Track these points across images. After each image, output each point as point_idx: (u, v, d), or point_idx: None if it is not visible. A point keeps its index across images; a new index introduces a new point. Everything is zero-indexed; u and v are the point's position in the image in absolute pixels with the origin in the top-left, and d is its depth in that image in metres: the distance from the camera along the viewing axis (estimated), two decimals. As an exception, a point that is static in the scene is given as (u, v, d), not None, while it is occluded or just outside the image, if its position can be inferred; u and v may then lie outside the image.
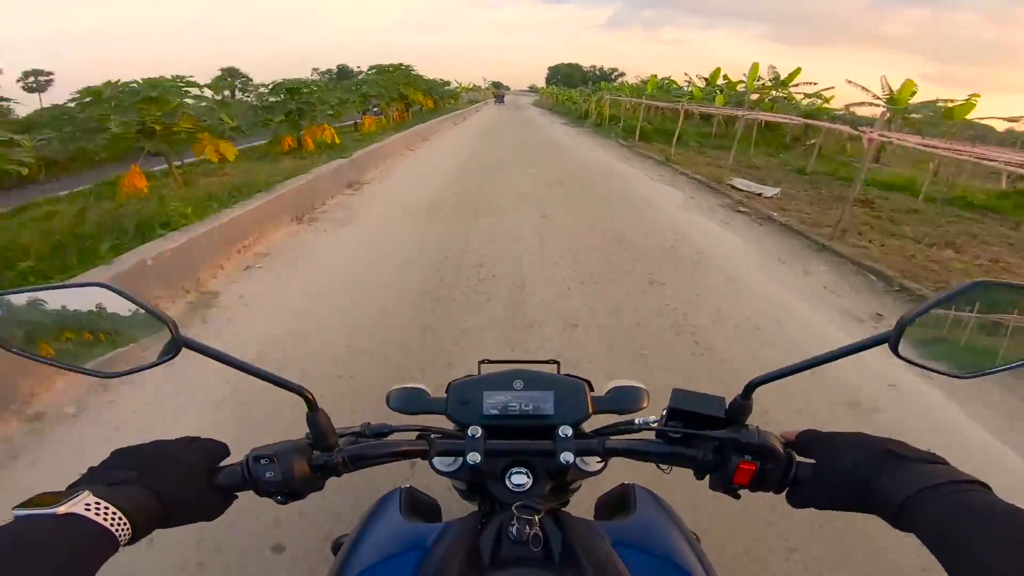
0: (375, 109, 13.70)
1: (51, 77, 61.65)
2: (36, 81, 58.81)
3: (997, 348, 0.47)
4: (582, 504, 0.83)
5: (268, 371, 0.53)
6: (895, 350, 0.46)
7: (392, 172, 8.36)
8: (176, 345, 0.49)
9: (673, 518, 0.70)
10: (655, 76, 25.65)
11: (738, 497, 0.57)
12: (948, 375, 0.48)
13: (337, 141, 8.73)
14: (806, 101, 18.03)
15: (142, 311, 0.49)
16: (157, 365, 0.51)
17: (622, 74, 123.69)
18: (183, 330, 0.49)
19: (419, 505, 0.78)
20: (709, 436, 0.55)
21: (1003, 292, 0.46)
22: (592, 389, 0.72)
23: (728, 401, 0.57)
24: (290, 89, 8.46)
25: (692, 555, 0.62)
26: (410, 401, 0.74)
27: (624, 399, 0.73)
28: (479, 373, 0.76)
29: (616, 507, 0.78)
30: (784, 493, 0.54)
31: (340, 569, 0.61)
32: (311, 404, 0.56)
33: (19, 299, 0.49)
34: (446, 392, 0.71)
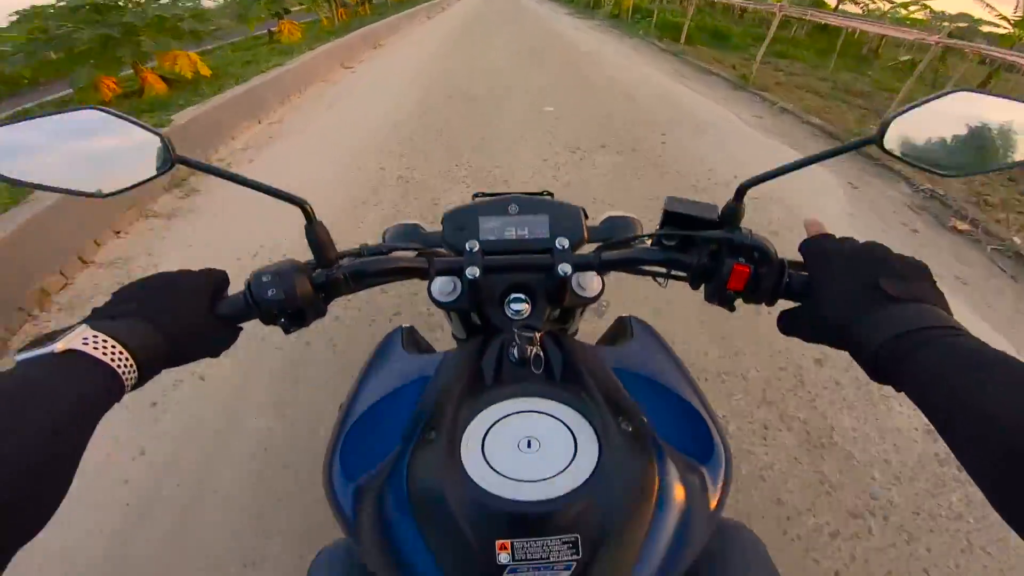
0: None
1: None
2: None
3: (974, 152, 0.48)
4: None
5: (265, 183, 0.52)
6: (881, 144, 0.48)
7: (293, 130, 4.62)
8: (170, 160, 0.50)
9: (666, 346, 0.71)
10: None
11: (733, 309, 0.56)
12: (930, 171, 0.49)
13: (205, 72, 5.02)
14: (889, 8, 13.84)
15: (137, 128, 0.50)
16: (152, 180, 0.52)
17: None
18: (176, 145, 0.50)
19: (420, 344, 0.79)
20: (704, 237, 0.56)
21: (983, 102, 0.48)
22: (587, 217, 0.71)
23: (721, 207, 0.57)
24: (97, 5, 4.53)
25: (683, 379, 0.64)
26: (407, 236, 0.76)
27: (617, 228, 0.76)
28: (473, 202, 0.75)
29: (614, 339, 0.79)
30: (778, 323, 0.52)
31: (349, 406, 0.61)
32: (310, 216, 0.54)
33: (14, 129, 0.48)
34: (442, 224, 0.69)
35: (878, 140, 0.48)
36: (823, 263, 0.48)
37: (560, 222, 0.67)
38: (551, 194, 0.85)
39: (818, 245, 0.50)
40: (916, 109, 0.48)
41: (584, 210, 0.71)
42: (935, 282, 0.44)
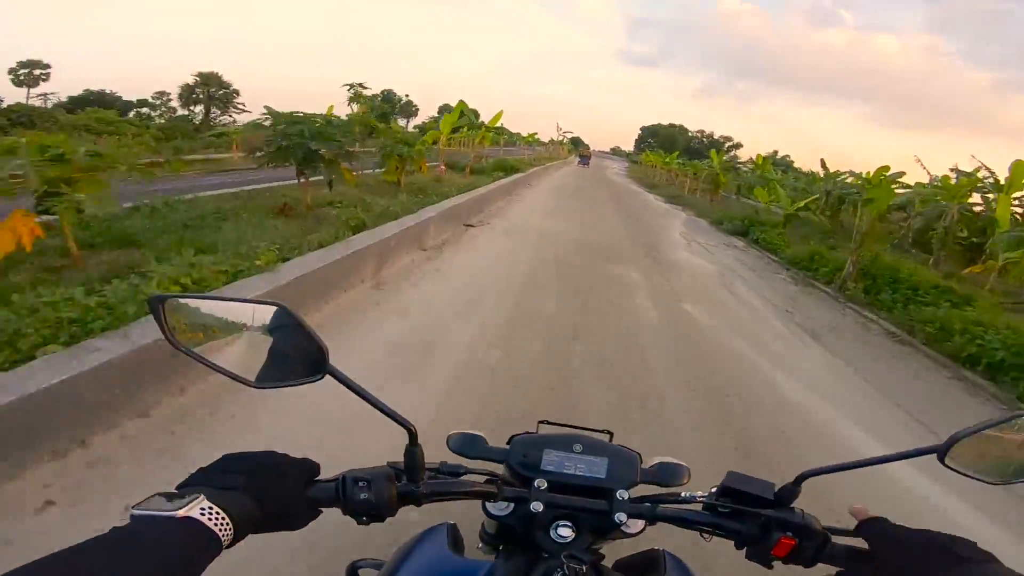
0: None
1: (48, 71, 50.59)
2: (29, 74, 50.34)
3: None
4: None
5: (386, 405, 0.59)
6: (942, 461, 0.53)
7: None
8: (323, 370, 0.55)
9: None
10: (816, 167, 15.69)
11: (771, 567, 0.64)
12: (989, 483, 0.55)
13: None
14: None
15: (307, 334, 0.55)
16: (300, 384, 0.57)
17: (738, 145, 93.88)
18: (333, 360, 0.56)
19: (459, 542, 0.82)
20: (760, 514, 0.62)
21: None
22: (641, 461, 0.80)
23: (777, 487, 0.63)
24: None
25: None
26: (470, 446, 0.83)
27: (667, 473, 0.82)
28: (537, 431, 0.87)
29: (642, 570, 0.81)
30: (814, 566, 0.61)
31: None
32: (413, 438, 0.62)
33: (197, 304, 0.56)
34: (507, 444, 0.80)
35: (941, 455, 0.53)
36: (891, 537, 0.56)
37: (617, 466, 0.76)
38: (611, 433, 0.94)
39: (882, 525, 0.59)
40: (985, 430, 0.52)
41: (640, 456, 0.81)
42: (991, 553, 0.51)
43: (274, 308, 0.55)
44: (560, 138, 51.95)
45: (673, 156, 31.95)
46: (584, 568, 0.62)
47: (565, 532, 0.71)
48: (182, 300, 0.56)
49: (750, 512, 0.63)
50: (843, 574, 0.60)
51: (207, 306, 0.56)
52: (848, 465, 0.58)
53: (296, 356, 0.57)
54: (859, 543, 0.60)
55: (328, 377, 0.56)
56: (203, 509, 0.45)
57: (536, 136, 36.29)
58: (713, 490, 0.67)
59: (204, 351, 0.55)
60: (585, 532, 0.72)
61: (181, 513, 0.43)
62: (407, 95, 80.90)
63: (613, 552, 0.88)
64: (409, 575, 0.69)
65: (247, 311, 0.56)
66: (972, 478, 0.54)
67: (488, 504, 0.75)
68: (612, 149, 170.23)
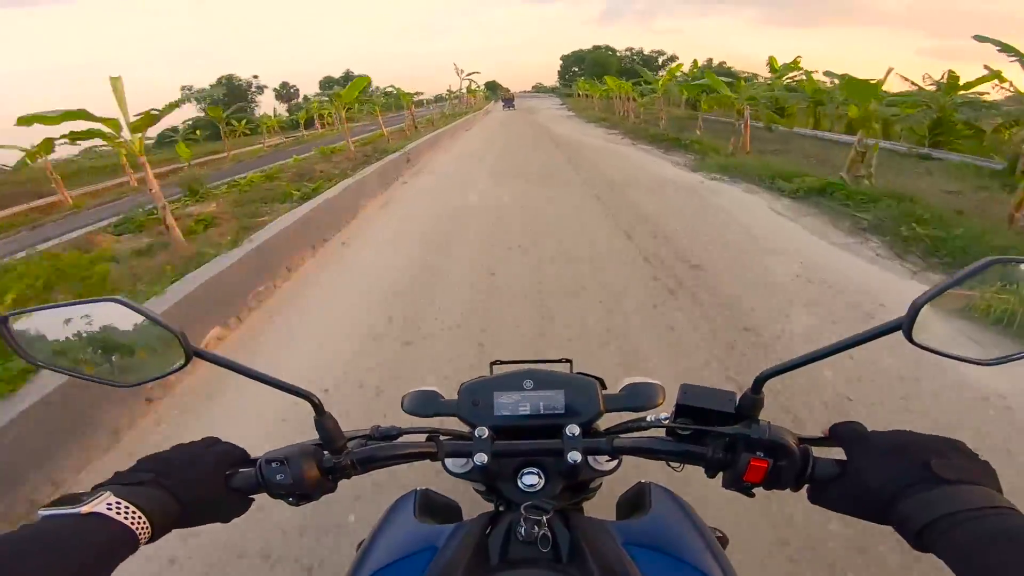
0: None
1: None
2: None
3: (1019, 329, 0.43)
4: (605, 504, 0.82)
5: (278, 378, 0.57)
6: (909, 336, 0.44)
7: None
8: (187, 355, 0.54)
9: (690, 516, 0.70)
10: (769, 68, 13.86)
11: (752, 495, 0.56)
12: (969, 361, 0.46)
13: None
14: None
15: (154, 323, 0.53)
16: (168, 375, 0.56)
17: (673, 58, 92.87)
18: (192, 340, 0.53)
19: (436, 507, 0.81)
20: (718, 432, 0.56)
21: (1020, 270, 0.43)
22: (604, 387, 0.74)
23: (739, 396, 0.57)
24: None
25: (709, 555, 0.61)
26: (423, 404, 0.79)
27: (638, 396, 0.75)
28: (491, 374, 0.80)
29: (633, 507, 0.78)
30: (805, 489, 0.53)
31: (354, 571, 0.64)
32: (318, 409, 0.60)
33: (40, 316, 0.54)
34: (458, 394, 0.74)
35: (906, 330, 0.43)
36: (864, 445, 0.50)
37: (575, 397, 0.70)
38: (570, 361, 0.89)
39: (853, 429, 0.52)
40: (947, 288, 0.42)
41: (602, 381, 0.75)
42: (976, 455, 0.46)
43: (110, 304, 0.53)
44: (467, 85, 35.04)
45: (668, 74, 17.75)
46: (546, 518, 0.59)
47: (531, 480, 0.66)
48: (26, 315, 0.54)
49: (713, 432, 0.57)
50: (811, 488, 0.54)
51: (51, 315, 0.54)
52: (807, 358, 0.52)
53: (155, 345, 0.56)
54: (837, 454, 0.53)
55: None
56: (110, 504, 0.45)
57: (375, 90, 18.91)
58: (673, 410, 0.62)
59: (64, 362, 0.54)
60: (554, 477, 0.67)
61: (85, 509, 0.43)
62: (255, 76, 77.56)
63: (620, 488, 0.86)
64: (377, 549, 0.68)
65: (88, 312, 0.54)
66: (951, 357, 0.45)
67: (447, 462, 0.71)
68: (534, 87, 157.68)
